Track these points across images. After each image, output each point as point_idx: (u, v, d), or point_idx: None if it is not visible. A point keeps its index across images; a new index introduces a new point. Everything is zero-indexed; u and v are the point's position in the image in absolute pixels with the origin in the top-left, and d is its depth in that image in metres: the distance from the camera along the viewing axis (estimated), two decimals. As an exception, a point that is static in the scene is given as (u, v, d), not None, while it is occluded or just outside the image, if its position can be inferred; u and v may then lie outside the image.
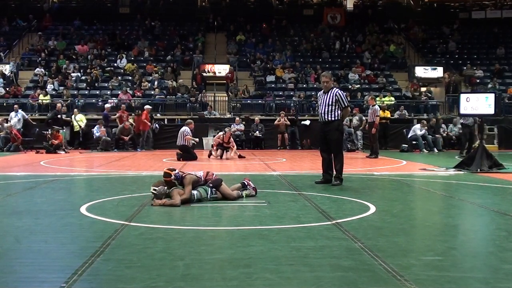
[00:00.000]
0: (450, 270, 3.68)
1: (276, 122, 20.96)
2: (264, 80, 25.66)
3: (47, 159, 14.66)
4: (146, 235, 4.79)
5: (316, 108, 9.12)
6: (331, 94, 8.66)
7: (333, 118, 8.65)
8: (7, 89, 23.87)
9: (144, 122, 19.67)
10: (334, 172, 8.80)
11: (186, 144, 14.76)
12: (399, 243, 4.47)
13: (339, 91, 8.84)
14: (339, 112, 8.65)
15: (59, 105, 20.48)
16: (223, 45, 29.43)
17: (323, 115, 8.72)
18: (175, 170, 6.72)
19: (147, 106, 20.64)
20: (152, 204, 6.36)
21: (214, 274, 3.56)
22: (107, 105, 20.95)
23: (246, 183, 7.20)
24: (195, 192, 6.61)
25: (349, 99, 23.62)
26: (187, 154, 14.60)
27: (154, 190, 6.44)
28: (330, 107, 8.62)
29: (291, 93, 24.33)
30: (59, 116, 19.85)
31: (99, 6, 32.75)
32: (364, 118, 20.53)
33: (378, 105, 22.32)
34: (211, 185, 6.78)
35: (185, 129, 15.04)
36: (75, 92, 23.36)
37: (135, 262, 3.82)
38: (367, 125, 17.46)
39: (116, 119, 20.21)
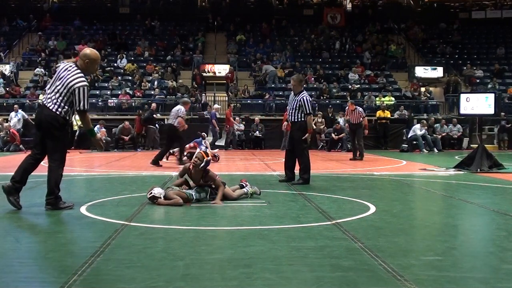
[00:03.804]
0: (450, 270, 3.68)
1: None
2: (264, 80, 25.66)
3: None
4: (146, 235, 4.79)
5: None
6: (298, 98, 8.97)
7: (297, 120, 8.98)
8: (7, 89, 23.88)
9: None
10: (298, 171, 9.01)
11: (176, 125, 12.79)
12: (399, 243, 4.47)
13: (305, 97, 9.00)
14: (303, 115, 8.94)
15: (154, 105, 20.63)
16: (223, 45, 29.43)
17: (290, 116, 9.12)
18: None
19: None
20: (154, 202, 6.38)
21: (214, 274, 3.55)
22: (216, 106, 20.57)
23: (244, 185, 7.20)
24: (193, 192, 6.62)
25: (349, 99, 23.76)
26: (174, 136, 12.76)
27: (151, 193, 6.46)
28: (295, 110, 9.00)
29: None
30: (154, 115, 19.95)
31: (99, 6, 32.74)
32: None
33: (378, 105, 22.57)
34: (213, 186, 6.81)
35: (179, 108, 13.03)
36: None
37: (135, 262, 3.82)
38: (347, 127, 17.22)
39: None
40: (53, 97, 5.94)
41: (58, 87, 5.95)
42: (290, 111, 9.08)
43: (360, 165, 13.18)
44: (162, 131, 19.79)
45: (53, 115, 5.92)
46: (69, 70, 5.99)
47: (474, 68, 27.05)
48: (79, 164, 13.64)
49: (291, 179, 8.95)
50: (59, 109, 5.92)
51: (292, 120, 9.04)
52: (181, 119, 12.79)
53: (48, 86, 6.21)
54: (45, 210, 6.03)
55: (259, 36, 30.11)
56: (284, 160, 9.34)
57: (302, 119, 8.95)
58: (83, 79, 5.96)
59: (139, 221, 5.37)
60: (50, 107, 5.93)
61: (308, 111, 8.92)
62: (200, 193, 6.64)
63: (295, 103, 8.96)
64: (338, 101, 23.53)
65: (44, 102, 6.06)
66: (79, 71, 5.99)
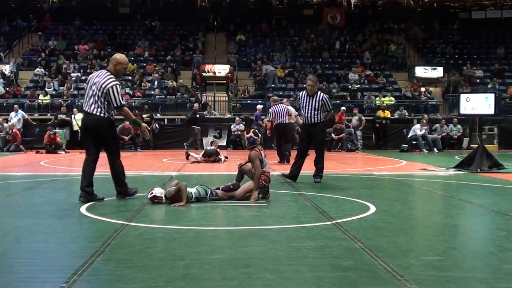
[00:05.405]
0: (450, 270, 3.68)
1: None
2: (264, 80, 25.66)
3: (47, 159, 14.65)
4: (146, 235, 4.79)
5: (301, 110, 9.33)
6: (317, 99, 9.00)
7: (319, 121, 9.04)
8: (7, 89, 23.88)
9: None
10: (315, 170, 9.05)
11: (290, 123, 12.87)
12: (399, 243, 4.47)
13: (325, 95, 9.21)
14: (322, 115, 9.08)
15: (196, 105, 20.59)
16: (223, 45, 29.42)
17: (309, 118, 9.05)
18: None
19: (343, 108, 20.36)
20: (155, 202, 6.42)
21: (214, 274, 3.55)
22: (259, 106, 20.53)
23: (267, 188, 7.00)
24: (193, 191, 6.62)
25: (349, 99, 23.83)
26: (290, 134, 12.69)
27: (151, 194, 6.47)
28: (316, 111, 9.01)
29: (291, 93, 24.33)
30: (197, 115, 19.96)
31: (99, 6, 32.73)
32: (363, 118, 20.52)
33: (378, 105, 22.56)
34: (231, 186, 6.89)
35: (288, 107, 13.45)
36: (75, 92, 23.39)
37: (135, 262, 3.82)
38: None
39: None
40: (92, 101, 6.48)
41: (95, 91, 6.48)
42: (310, 112, 8.99)
43: (360, 165, 13.18)
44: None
45: (98, 119, 6.48)
46: (100, 76, 6.56)
47: (474, 68, 27.04)
48: (79, 164, 13.63)
49: (295, 177, 8.96)
50: (102, 111, 6.47)
51: (313, 121, 9.00)
52: (299, 117, 12.75)
53: (85, 96, 6.70)
54: (45, 211, 6.03)
55: (259, 36, 30.11)
56: (295, 159, 9.20)
57: (322, 119, 9.04)
58: (114, 79, 6.51)
59: (139, 221, 5.37)
60: (94, 112, 6.48)
61: (330, 108, 9.23)
62: (200, 193, 6.65)
63: (315, 104, 8.95)
64: (338, 101, 23.51)
65: (87, 110, 6.57)
66: (109, 73, 6.57)
